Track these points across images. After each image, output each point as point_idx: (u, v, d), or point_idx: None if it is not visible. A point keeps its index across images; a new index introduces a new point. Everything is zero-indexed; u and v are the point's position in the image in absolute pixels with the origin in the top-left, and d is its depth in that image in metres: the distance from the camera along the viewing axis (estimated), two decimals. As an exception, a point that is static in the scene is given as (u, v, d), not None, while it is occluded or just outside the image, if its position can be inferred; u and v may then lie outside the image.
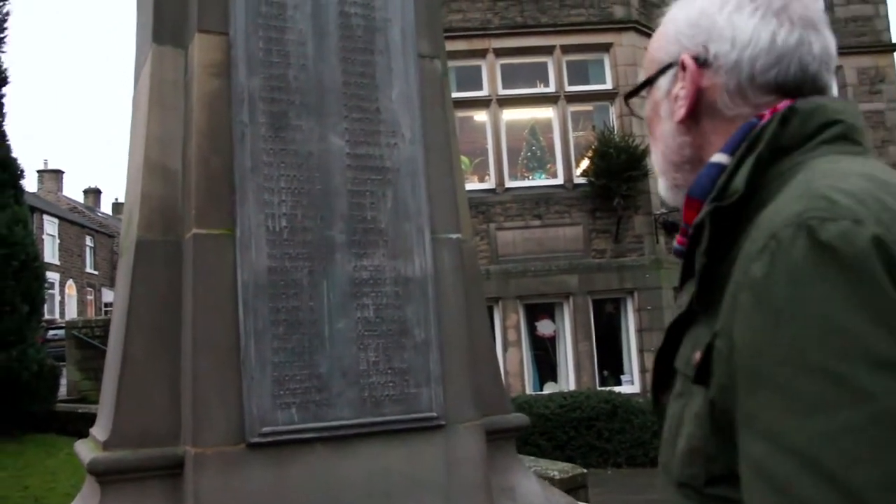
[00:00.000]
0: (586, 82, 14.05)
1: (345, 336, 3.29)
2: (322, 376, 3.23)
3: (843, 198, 0.83)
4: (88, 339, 15.81)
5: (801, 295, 0.79)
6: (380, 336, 3.36)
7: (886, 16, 16.25)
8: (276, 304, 3.18)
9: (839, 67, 15.77)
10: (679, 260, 1.08)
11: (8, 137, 12.77)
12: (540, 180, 13.98)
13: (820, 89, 1.04)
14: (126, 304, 3.24)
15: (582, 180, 13.49)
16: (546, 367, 13.45)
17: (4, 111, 12.87)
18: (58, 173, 50.78)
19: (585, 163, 13.52)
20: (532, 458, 6.74)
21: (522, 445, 7.57)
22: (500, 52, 13.72)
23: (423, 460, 3.41)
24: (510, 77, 13.89)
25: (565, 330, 13.24)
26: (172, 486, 3.07)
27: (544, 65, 13.93)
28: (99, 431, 3.32)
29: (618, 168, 12.66)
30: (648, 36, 11.38)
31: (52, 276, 37.26)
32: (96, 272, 48.71)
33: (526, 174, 14.14)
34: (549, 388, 13.00)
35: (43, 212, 40.10)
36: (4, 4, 13.08)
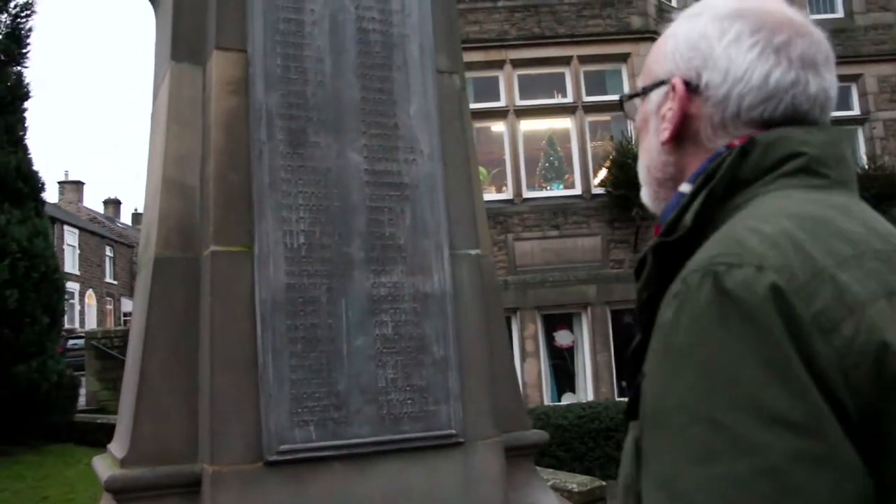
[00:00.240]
0: (604, 92, 13.99)
1: (363, 353, 3.27)
2: (340, 394, 3.21)
3: (754, 242, 0.83)
4: (108, 350, 15.90)
5: (700, 343, 0.79)
6: (398, 353, 3.34)
7: (907, 23, 16.10)
8: (295, 322, 3.17)
9: (859, 76, 15.66)
10: None
11: (29, 151, 12.89)
12: (558, 191, 13.93)
13: (810, 124, 1.01)
14: (144, 321, 3.24)
15: (600, 190, 13.43)
16: (564, 377, 13.37)
17: (26, 125, 13.01)
18: (78, 184, 51.26)
19: (603, 173, 13.46)
20: (551, 470, 6.69)
21: (541, 457, 7.51)
22: (517, 63, 13.71)
23: (442, 478, 3.38)
24: (527, 88, 13.87)
25: (583, 340, 13.16)
26: (190, 504, 3.05)
27: (562, 75, 13.89)
28: (116, 448, 3.31)
29: (636, 178, 12.46)
30: (666, 46, 11.31)
31: (72, 287, 37.52)
32: (115, 282, 49.03)
33: (544, 185, 14.10)
34: (567, 399, 12.92)
35: (63, 222, 40.45)
36: (27, 20, 13.22)
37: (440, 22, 3.73)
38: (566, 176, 14.01)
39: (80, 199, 50.96)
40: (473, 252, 3.66)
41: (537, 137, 14.14)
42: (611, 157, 13.17)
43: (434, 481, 3.35)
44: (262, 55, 3.30)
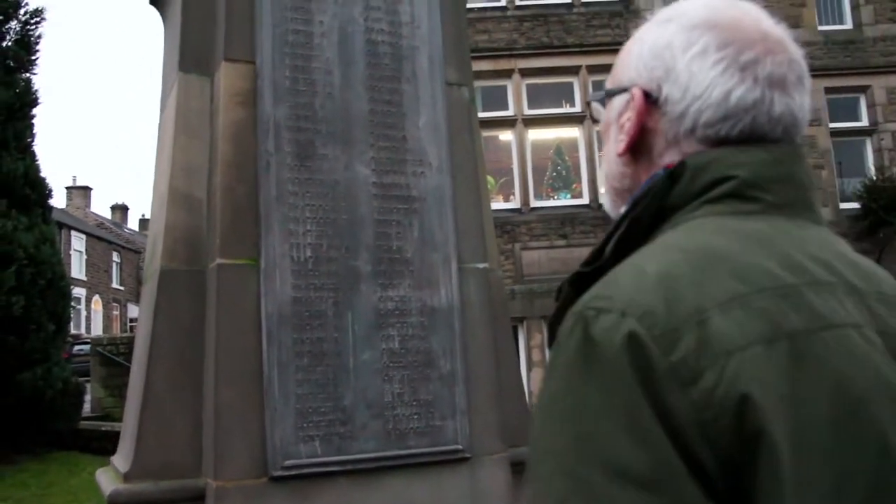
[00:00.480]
0: (612, 102, 13.96)
1: (369, 368, 3.24)
2: (346, 408, 3.18)
3: (627, 284, 0.79)
4: (113, 357, 15.89)
5: (567, 391, 0.77)
6: (405, 367, 3.31)
7: (917, 35, 16.06)
8: (301, 335, 3.14)
9: (868, 87, 15.61)
10: None
11: (37, 157, 12.93)
12: (565, 200, 13.91)
13: (770, 142, 0.95)
14: (149, 333, 3.21)
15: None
16: (570, 388, 13.31)
17: (34, 131, 13.05)
18: (86, 190, 51.47)
19: (611, 183, 13.41)
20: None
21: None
22: (525, 73, 13.71)
23: (448, 494, 3.34)
24: (536, 97, 13.87)
25: (590, 351, 13.10)
26: (194, 519, 3.02)
27: (570, 85, 13.89)
28: (120, 462, 3.29)
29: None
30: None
31: (79, 292, 37.61)
32: (122, 288, 49.15)
33: (551, 194, 14.09)
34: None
35: (71, 228, 40.57)
36: (37, 27, 13.27)
37: (450, 33, 3.71)
38: (574, 185, 14.00)
39: (88, 205, 51.14)
40: (481, 266, 3.63)
41: (545, 147, 14.14)
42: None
43: (440, 497, 3.31)
44: (270, 67, 3.28)
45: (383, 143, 3.42)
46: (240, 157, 3.22)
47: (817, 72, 15.50)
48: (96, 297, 44.70)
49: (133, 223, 59.65)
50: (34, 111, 13.05)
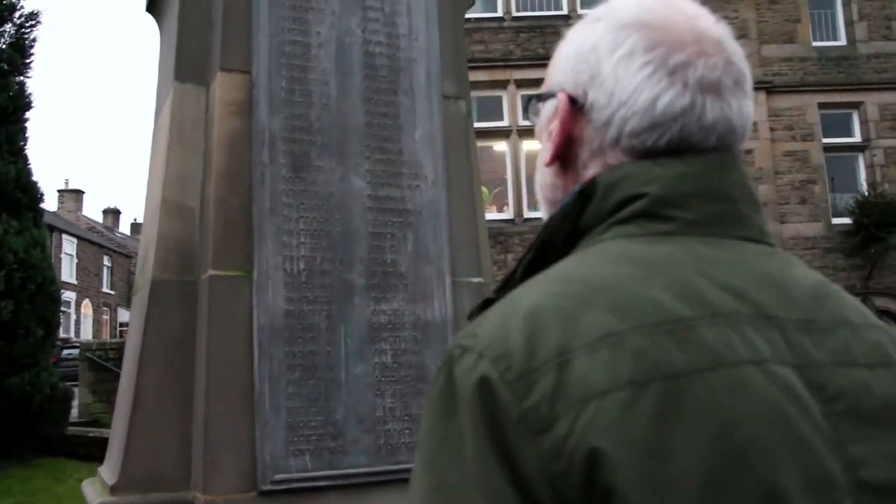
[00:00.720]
0: (606, 114, 14.01)
1: (362, 382, 3.22)
2: (337, 423, 3.15)
3: (491, 321, 0.73)
4: (102, 362, 15.79)
5: (430, 432, 0.72)
6: (397, 382, 3.29)
7: (910, 52, 16.16)
8: (293, 349, 3.12)
9: (861, 103, 15.69)
10: None
11: (29, 161, 12.86)
12: (558, 212, 13.91)
13: (701, 153, 0.85)
14: (139, 344, 3.18)
15: (600, 212, 13.42)
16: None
17: (27, 135, 12.98)
18: (78, 193, 51.23)
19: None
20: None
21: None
22: (521, 84, 13.73)
23: (439, 510, 3.31)
24: (530, 108, 13.88)
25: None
26: (181, 533, 2.99)
27: (565, 96, 13.92)
28: (107, 473, 3.25)
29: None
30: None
31: (69, 296, 37.44)
32: (113, 292, 48.92)
33: (544, 205, 14.09)
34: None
35: (62, 231, 40.41)
36: (31, 31, 13.23)
37: (448, 46, 3.69)
38: (567, 197, 14.01)
39: (80, 208, 50.92)
40: (476, 280, 3.61)
41: (539, 158, 14.15)
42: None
43: (431, 513, 3.28)
44: (266, 77, 3.26)
45: (379, 155, 3.41)
46: (234, 167, 3.20)
47: (811, 87, 15.60)
48: (86, 301, 44.48)
49: (125, 227, 59.42)
50: (27, 115, 12.97)
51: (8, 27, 13.07)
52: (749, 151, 14.88)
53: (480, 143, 11.83)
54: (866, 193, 15.00)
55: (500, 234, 13.01)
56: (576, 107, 0.89)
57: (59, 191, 50.06)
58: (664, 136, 0.83)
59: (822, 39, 16.00)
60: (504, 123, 13.72)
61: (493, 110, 13.72)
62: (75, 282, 42.12)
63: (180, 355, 3.16)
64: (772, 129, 15.31)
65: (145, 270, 3.36)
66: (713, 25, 0.88)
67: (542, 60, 13.65)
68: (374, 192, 3.37)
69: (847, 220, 14.98)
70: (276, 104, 3.25)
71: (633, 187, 0.82)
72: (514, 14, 14.32)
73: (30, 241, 12.03)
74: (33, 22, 13.34)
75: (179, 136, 3.33)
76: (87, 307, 44.50)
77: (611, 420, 0.64)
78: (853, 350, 0.77)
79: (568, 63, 0.91)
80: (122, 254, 50.59)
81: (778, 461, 0.66)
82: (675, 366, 0.67)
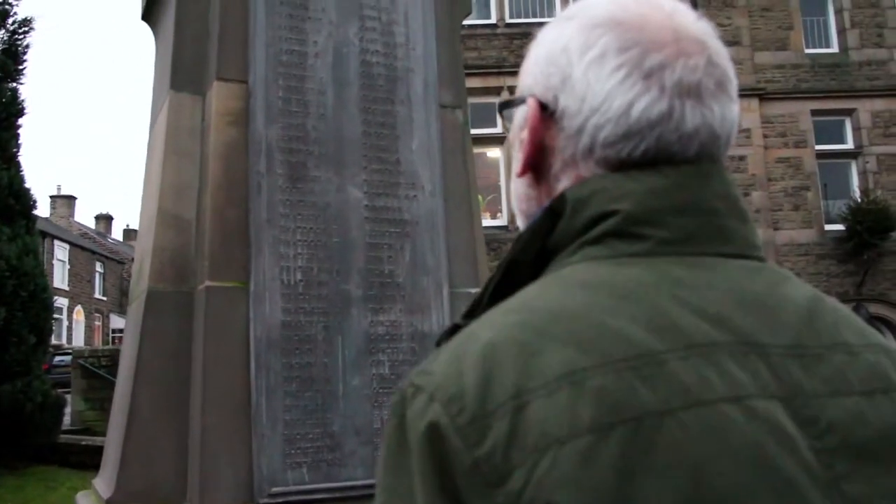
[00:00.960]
0: (600, 121, 14.04)
1: (359, 393, 3.20)
2: (335, 435, 3.13)
3: (447, 358, 0.67)
4: (94, 369, 15.71)
5: (384, 470, 0.68)
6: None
7: (901, 60, 16.24)
8: (290, 360, 3.10)
9: (853, 110, 15.76)
10: None
11: (22, 168, 12.80)
12: (552, 218, 13.93)
13: (680, 164, 0.78)
14: (135, 354, 3.16)
15: (594, 219, 13.44)
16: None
17: (20, 142, 12.92)
18: (70, 199, 51.09)
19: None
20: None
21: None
22: (514, 90, 13.75)
23: (437, 522, 3.29)
24: (524, 115, 13.90)
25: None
26: (177, 547, 2.96)
27: (558, 103, 13.94)
28: (102, 486, 3.22)
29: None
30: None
31: (61, 302, 37.29)
32: (105, 298, 48.74)
33: (538, 212, 14.11)
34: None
35: (54, 237, 40.25)
36: (25, 37, 13.18)
37: (444, 55, 3.69)
38: (561, 204, 14.02)
39: (72, 214, 50.76)
40: (473, 291, 3.59)
41: (533, 165, 14.17)
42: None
43: (428, 525, 3.26)
44: (263, 87, 3.24)
45: (376, 165, 3.39)
46: (230, 177, 3.18)
47: (804, 94, 15.66)
48: (78, 308, 44.29)
49: (117, 233, 59.31)
50: (20, 121, 12.92)
51: (1, 33, 13.03)
52: (742, 158, 14.93)
53: (474, 150, 11.85)
54: (859, 200, 15.05)
55: (493, 241, 13.00)
56: (546, 113, 0.82)
57: (51, 196, 49.95)
58: (640, 145, 0.76)
59: (814, 47, 16.08)
60: (498, 130, 13.74)
61: (487, 117, 13.73)
62: (67, 288, 41.96)
63: (176, 367, 3.13)
64: (765, 136, 15.37)
65: (141, 281, 3.33)
66: (694, 23, 0.81)
67: (537, 67, 13.74)
68: (371, 203, 3.35)
69: (840, 227, 15.03)
70: (273, 114, 3.24)
71: (603, 204, 0.75)
72: (508, 21, 14.35)
73: (22, 249, 11.97)
74: (26, 28, 13.31)
75: (175, 146, 3.31)
76: (79, 313, 44.32)
77: (569, 471, 0.59)
78: (848, 376, 0.70)
79: (538, 66, 0.85)
80: (115, 260, 50.44)
81: None
82: (642, 407, 0.61)
